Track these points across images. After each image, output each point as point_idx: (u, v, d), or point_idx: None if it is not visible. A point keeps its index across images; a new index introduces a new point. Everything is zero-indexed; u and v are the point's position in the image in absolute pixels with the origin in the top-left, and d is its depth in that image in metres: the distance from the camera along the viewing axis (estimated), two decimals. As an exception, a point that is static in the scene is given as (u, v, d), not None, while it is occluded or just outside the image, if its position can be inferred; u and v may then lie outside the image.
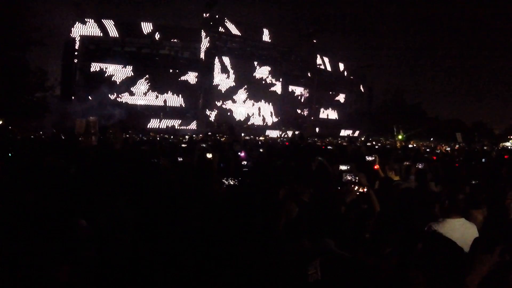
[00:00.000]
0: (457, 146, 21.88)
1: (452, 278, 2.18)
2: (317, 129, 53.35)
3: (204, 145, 11.89)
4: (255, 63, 50.61)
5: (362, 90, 64.22)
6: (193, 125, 44.06)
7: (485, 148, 21.76)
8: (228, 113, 48.33)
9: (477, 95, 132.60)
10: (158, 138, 22.01)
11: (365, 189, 4.17)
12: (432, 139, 41.74)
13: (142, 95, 43.54)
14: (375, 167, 6.80)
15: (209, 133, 29.24)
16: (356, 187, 4.15)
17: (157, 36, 43.67)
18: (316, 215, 3.57)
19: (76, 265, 2.06)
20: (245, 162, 7.81)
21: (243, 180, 5.28)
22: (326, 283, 2.26)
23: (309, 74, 55.76)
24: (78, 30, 40.92)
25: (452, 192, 4.13)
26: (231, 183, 4.68)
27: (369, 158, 7.15)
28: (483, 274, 2.09)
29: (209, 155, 6.73)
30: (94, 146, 11.49)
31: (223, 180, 4.72)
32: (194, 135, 27.36)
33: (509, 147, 25.02)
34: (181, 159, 7.46)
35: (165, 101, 44.47)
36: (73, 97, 38.67)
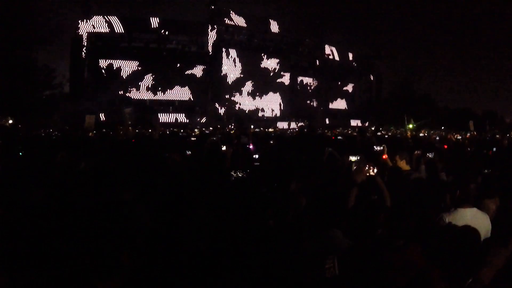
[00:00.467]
0: (468, 134, 21.60)
1: (468, 269, 2.13)
2: (327, 120, 53.05)
3: (214, 139, 11.91)
4: (263, 55, 50.36)
5: (372, 79, 63.53)
6: (202, 119, 44.10)
7: (496, 136, 21.46)
8: (237, 106, 48.23)
9: (487, 84, 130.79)
10: (168, 133, 22.05)
11: (375, 171, 4.11)
12: (443, 128, 41.29)
13: (150, 90, 43.66)
14: (384, 157, 6.75)
15: (218, 126, 29.29)
16: (366, 168, 4.09)
17: (163, 31, 43.62)
18: (324, 205, 3.54)
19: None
20: (256, 156, 7.79)
21: (252, 173, 5.28)
22: (344, 278, 2.25)
23: (317, 63, 55.31)
24: (85, 27, 41.04)
25: (463, 182, 4.09)
26: (240, 175, 4.68)
27: (377, 148, 7.11)
28: (498, 268, 2.05)
29: (224, 148, 6.79)
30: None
31: (232, 173, 4.72)
32: (203, 128, 27.40)
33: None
34: (189, 153, 7.48)
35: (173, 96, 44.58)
36: (82, 94, 38.91)
